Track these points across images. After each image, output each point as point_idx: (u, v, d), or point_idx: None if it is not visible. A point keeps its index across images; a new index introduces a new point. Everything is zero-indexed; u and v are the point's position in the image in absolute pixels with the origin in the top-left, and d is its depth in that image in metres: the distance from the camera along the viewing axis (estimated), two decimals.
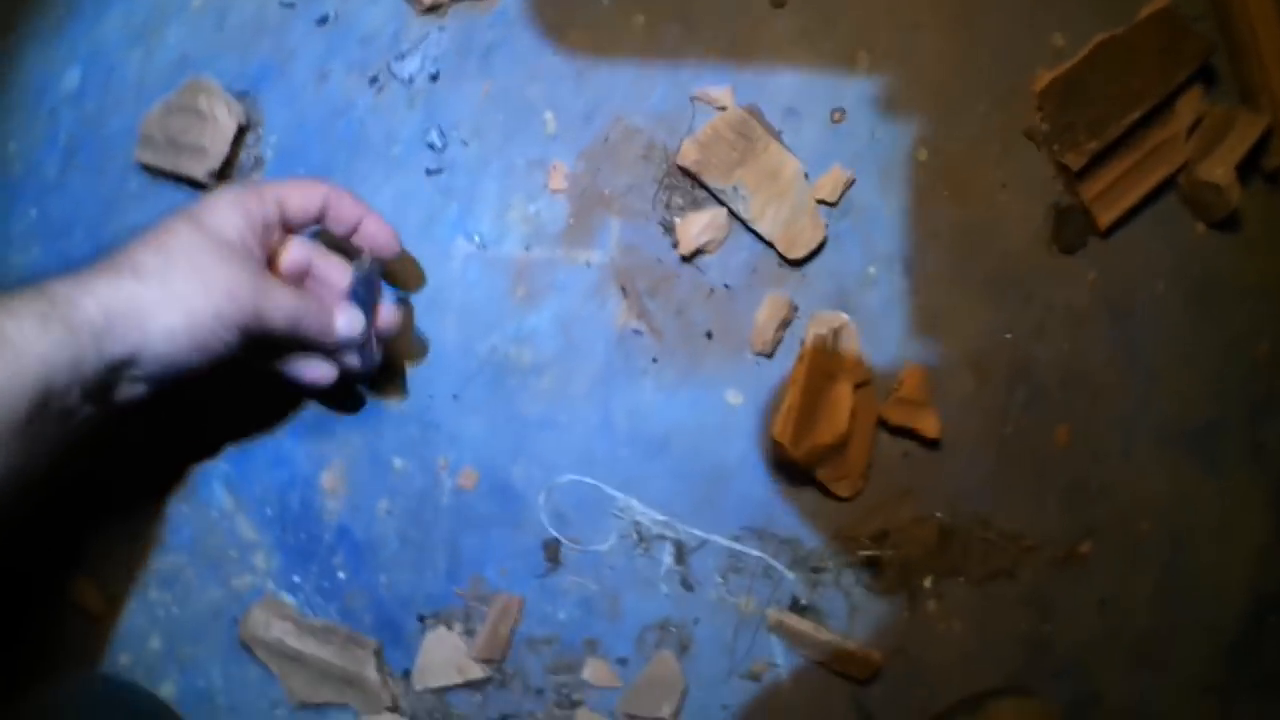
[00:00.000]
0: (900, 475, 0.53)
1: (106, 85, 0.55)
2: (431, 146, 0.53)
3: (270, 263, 0.45)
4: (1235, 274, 0.56)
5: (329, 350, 0.46)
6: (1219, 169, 0.53)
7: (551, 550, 0.52)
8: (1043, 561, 0.54)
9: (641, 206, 0.53)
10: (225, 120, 0.52)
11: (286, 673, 0.52)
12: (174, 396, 0.44)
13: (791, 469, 0.51)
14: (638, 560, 0.52)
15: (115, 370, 0.39)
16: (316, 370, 0.47)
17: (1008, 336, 0.54)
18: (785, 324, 0.52)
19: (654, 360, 0.52)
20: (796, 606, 0.52)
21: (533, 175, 0.53)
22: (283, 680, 0.52)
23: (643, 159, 0.53)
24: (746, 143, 0.51)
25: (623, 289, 0.52)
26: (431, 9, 0.53)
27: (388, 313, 0.48)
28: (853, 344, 0.52)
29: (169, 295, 0.38)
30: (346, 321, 0.45)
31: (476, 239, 0.53)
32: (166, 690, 0.53)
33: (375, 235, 0.47)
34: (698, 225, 0.51)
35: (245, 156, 0.54)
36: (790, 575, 0.52)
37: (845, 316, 0.52)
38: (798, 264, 0.52)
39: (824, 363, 0.50)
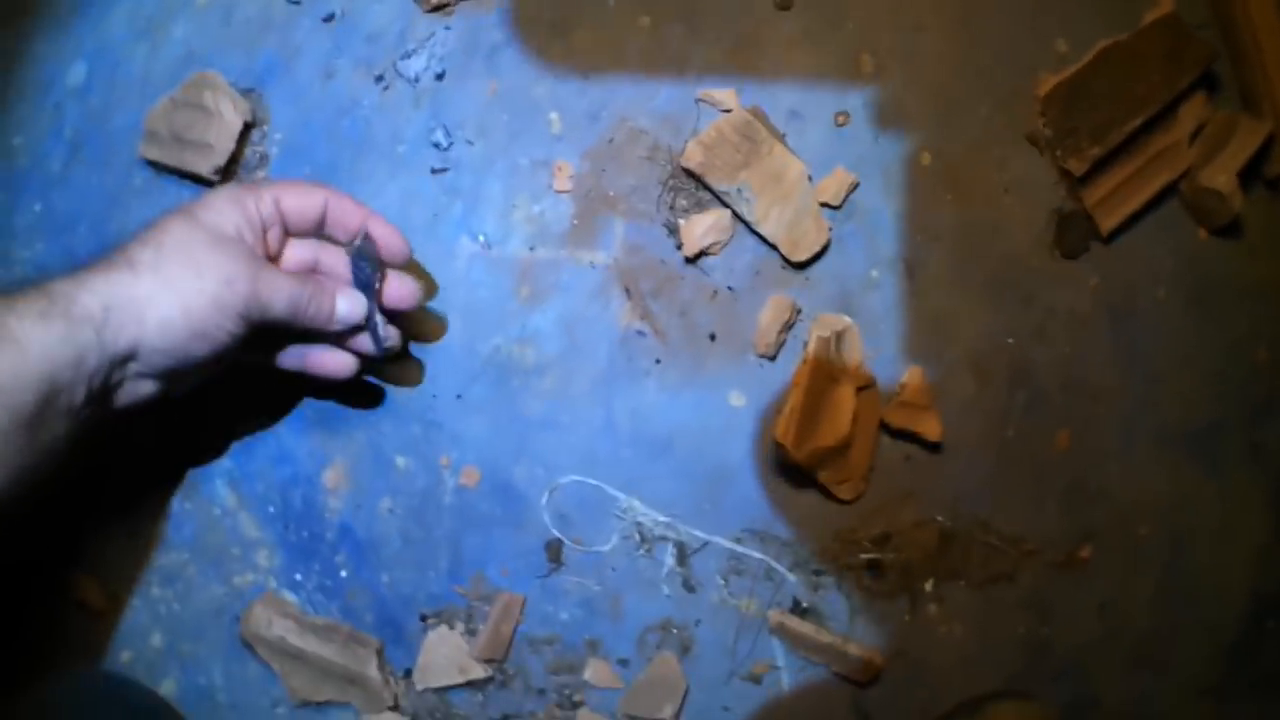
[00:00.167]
0: (902, 478, 0.53)
1: (112, 80, 0.55)
2: (437, 145, 0.53)
3: (274, 263, 0.45)
4: (1236, 279, 0.56)
5: (336, 337, 0.46)
6: (1221, 175, 0.53)
7: (553, 550, 0.52)
8: (1043, 565, 0.54)
9: (646, 208, 0.53)
10: (231, 117, 0.52)
11: (288, 671, 0.52)
12: (186, 398, 0.45)
13: (793, 471, 0.51)
14: (639, 561, 0.52)
15: (118, 365, 0.39)
16: (336, 362, 0.47)
17: (1009, 340, 0.54)
18: (788, 326, 0.52)
19: (657, 361, 0.52)
20: (798, 608, 0.53)
21: (537, 175, 0.53)
22: (284, 678, 0.52)
23: (647, 160, 0.53)
24: (751, 145, 0.51)
25: (626, 290, 0.53)
26: (438, 8, 0.53)
27: (400, 288, 0.47)
28: (855, 347, 0.52)
29: (163, 286, 0.39)
30: (347, 304, 0.45)
31: (481, 239, 0.53)
32: (167, 687, 0.53)
33: (381, 240, 0.47)
34: (702, 227, 0.52)
35: (250, 153, 0.54)
36: (792, 577, 0.53)
37: (848, 319, 0.52)
38: (801, 266, 0.52)
39: (826, 365, 0.50)
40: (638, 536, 0.52)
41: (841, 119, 0.53)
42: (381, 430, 0.53)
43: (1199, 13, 0.56)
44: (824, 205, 0.52)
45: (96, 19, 0.56)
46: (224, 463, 0.54)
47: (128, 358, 0.39)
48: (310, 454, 0.53)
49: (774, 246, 0.52)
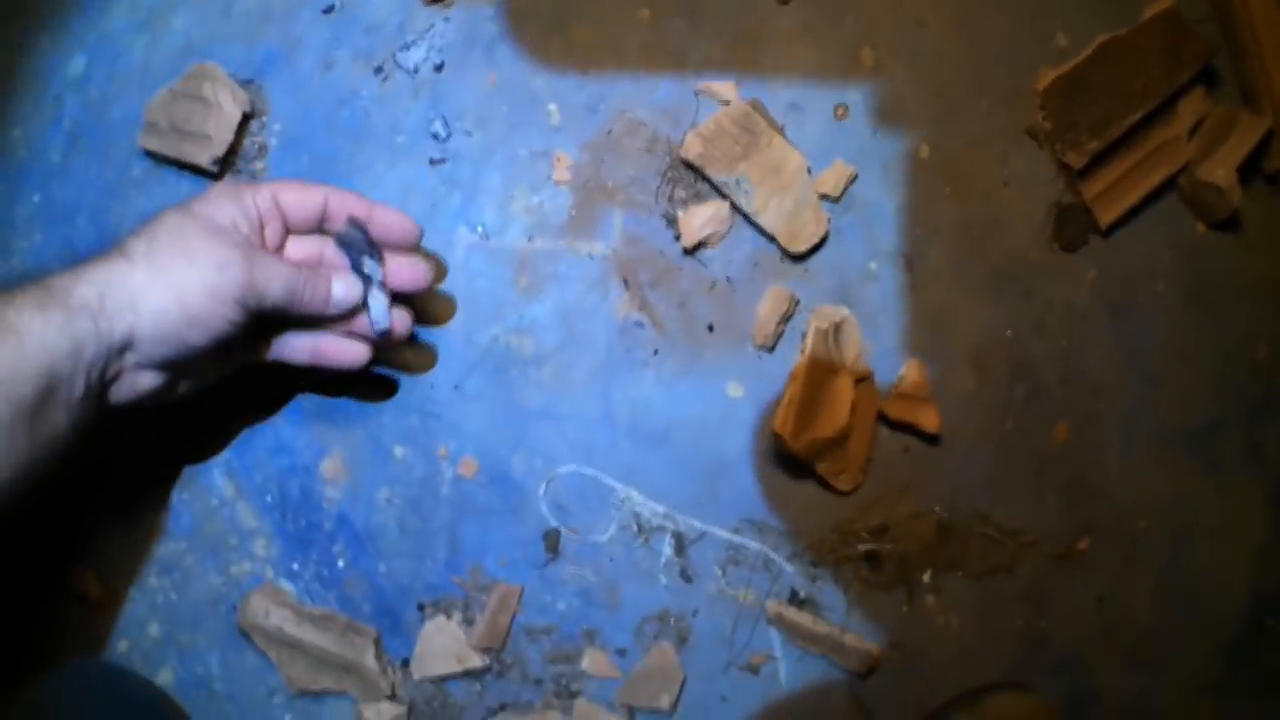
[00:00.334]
0: (900, 470, 0.53)
1: (112, 72, 0.55)
2: (436, 136, 0.53)
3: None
4: (1235, 274, 0.56)
5: (339, 324, 0.46)
6: (1220, 170, 0.53)
7: (551, 540, 0.52)
8: (1041, 557, 0.54)
9: (644, 199, 0.53)
10: (230, 108, 0.52)
11: (285, 660, 0.52)
12: (190, 396, 0.45)
13: (792, 462, 0.51)
14: (637, 551, 0.52)
15: (115, 355, 0.39)
16: (348, 352, 0.46)
17: (1008, 333, 0.54)
18: (787, 318, 0.52)
19: (655, 352, 0.52)
20: (795, 599, 0.53)
21: (536, 166, 0.53)
22: (281, 668, 0.52)
23: (646, 151, 0.53)
24: (750, 137, 0.51)
25: (625, 281, 0.53)
26: (437, 0, 0.53)
27: (410, 270, 0.47)
28: (854, 338, 0.52)
29: (156, 275, 0.39)
30: (343, 287, 0.45)
31: (479, 229, 0.53)
32: (165, 677, 0.53)
33: (390, 226, 0.46)
34: (700, 218, 0.52)
35: (249, 144, 0.54)
36: (789, 568, 0.53)
37: (846, 311, 0.52)
38: (800, 258, 0.52)
39: (825, 357, 0.50)
40: (635, 527, 0.52)
41: (841, 112, 0.53)
42: (380, 420, 0.53)
43: (1198, 7, 0.56)
44: (823, 197, 0.52)
45: (97, 10, 0.56)
46: (222, 453, 0.54)
47: (125, 347, 0.39)
48: (308, 444, 0.53)
49: (773, 238, 0.52)
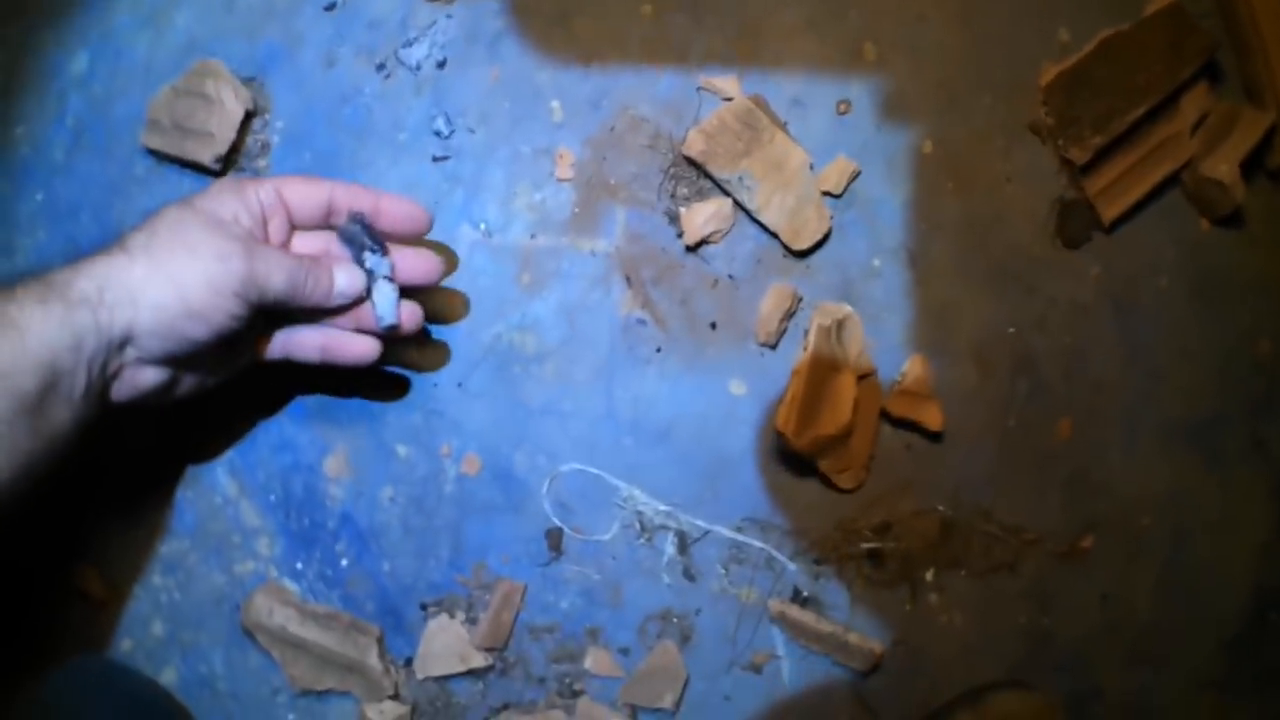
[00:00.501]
0: (902, 467, 0.53)
1: (114, 69, 0.55)
2: (438, 133, 0.53)
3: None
4: (1238, 270, 0.56)
5: (344, 319, 0.46)
6: (1223, 166, 0.53)
7: (554, 539, 0.52)
8: (1044, 555, 0.54)
9: (647, 196, 0.53)
10: (232, 105, 0.52)
11: (288, 659, 0.52)
12: (192, 398, 0.44)
13: (794, 460, 0.51)
14: (640, 550, 0.52)
15: (116, 350, 0.39)
16: (358, 348, 0.46)
17: (1011, 330, 0.54)
18: (789, 315, 0.52)
19: (658, 349, 0.52)
20: (798, 598, 0.52)
21: (539, 163, 0.53)
22: (284, 667, 0.52)
23: (649, 148, 0.53)
24: (752, 133, 0.51)
25: (627, 278, 0.53)
26: None
27: (420, 263, 0.46)
28: (856, 335, 0.52)
29: (156, 268, 0.38)
30: (345, 278, 0.44)
31: (482, 226, 0.53)
32: (168, 676, 0.53)
33: (398, 215, 0.46)
34: (703, 215, 0.52)
35: (252, 141, 0.54)
36: (792, 566, 0.53)
37: (849, 308, 0.52)
38: (802, 255, 0.52)
39: (827, 354, 0.50)
40: (638, 525, 0.52)
41: (843, 107, 0.53)
42: (382, 419, 0.53)
43: (1201, 2, 0.56)
44: (825, 194, 0.52)
45: (99, 7, 0.56)
46: (225, 451, 0.54)
47: (125, 341, 0.39)
48: (311, 442, 0.53)
49: (775, 235, 0.52)
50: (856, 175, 0.53)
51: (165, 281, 0.38)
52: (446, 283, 0.52)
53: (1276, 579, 0.57)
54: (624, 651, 0.52)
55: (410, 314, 0.46)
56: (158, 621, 0.54)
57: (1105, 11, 0.53)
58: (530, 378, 0.52)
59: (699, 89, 0.53)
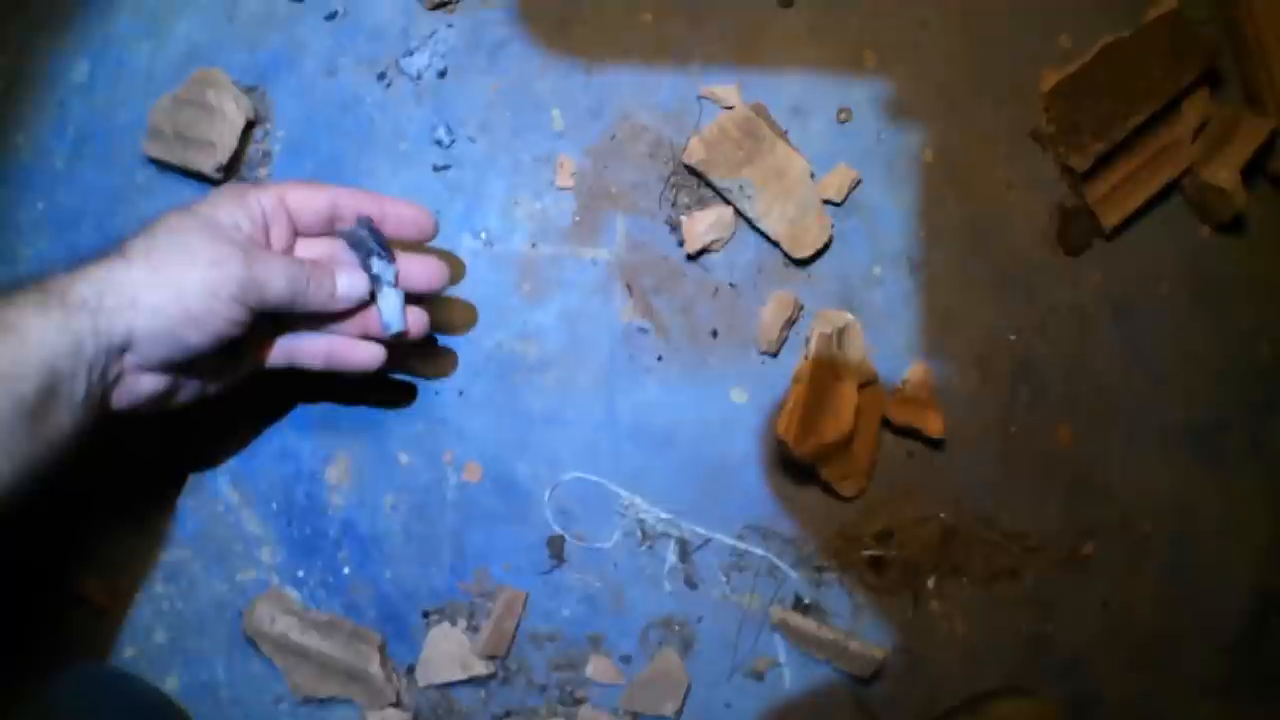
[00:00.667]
0: (904, 474, 0.53)
1: (116, 77, 0.55)
2: (439, 142, 0.53)
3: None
4: (1239, 275, 0.56)
5: (349, 324, 0.45)
6: (1224, 172, 0.53)
7: (556, 546, 0.52)
8: (1045, 561, 0.54)
9: (648, 204, 0.53)
10: (233, 114, 0.52)
11: (290, 667, 0.52)
12: (193, 405, 0.44)
13: (796, 467, 0.51)
14: (641, 557, 0.52)
15: (115, 355, 0.39)
16: (362, 354, 0.46)
17: (1012, 337, 0.54)
18: (790, 323, 0.52)
19: (659, 358, 0.52)
20: (799, 605, 0.53)
21: (540, 171, 0.53)
22: (286, 674, 0.52)
23: (649, 156, 0.53)
24: (753, 141, 0.51)
25: (628, 286, 0.53)
26: (440, 5, 0.53)
27: (423, 270, 0.46)
28: (858, 343, 0.52)
29: (154, 273, 0.38)
30: (348, 280, 0.44)
31: (483, 235, 0.53)
32: (170, 683, 0.53)
33: (403, 220, 0.45)
34: (704, 223, 0.52)
35: (253, 150, 0.54)
36: (793, 574, 0.53)
37: (850, 315, 0.52)
38: (803, 263, 0.52)
39: (829, 361, 0.50)
40: (640, 533, 0.52)
41: (844, 115, 0.53)
42: (384, 427, 0.53)
43: (1202, 9, 0.56)
44: (826, 202, 0.52)
45: (100, 16, 0.56)
46: (227, 459, 0.54)
47: (124, 346, 0.39)
48: (313, 450, 0.53)
49: (776, 243, 0.52)
50: (857, 183, 0.53)
51: (164, 287, 0.38)
52: (449, 290, 0.52)
53: (1278, 583, 0.57)
54: (625, 659, 0.53)
55: (416, 320, 0.46)
56: (160, 629, 0.54)
57: (1106, 18, 0.53)
58: (532, 386, 0.52)
59: (699, 97, 0.53)
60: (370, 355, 0.46)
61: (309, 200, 0.44)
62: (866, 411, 0.52)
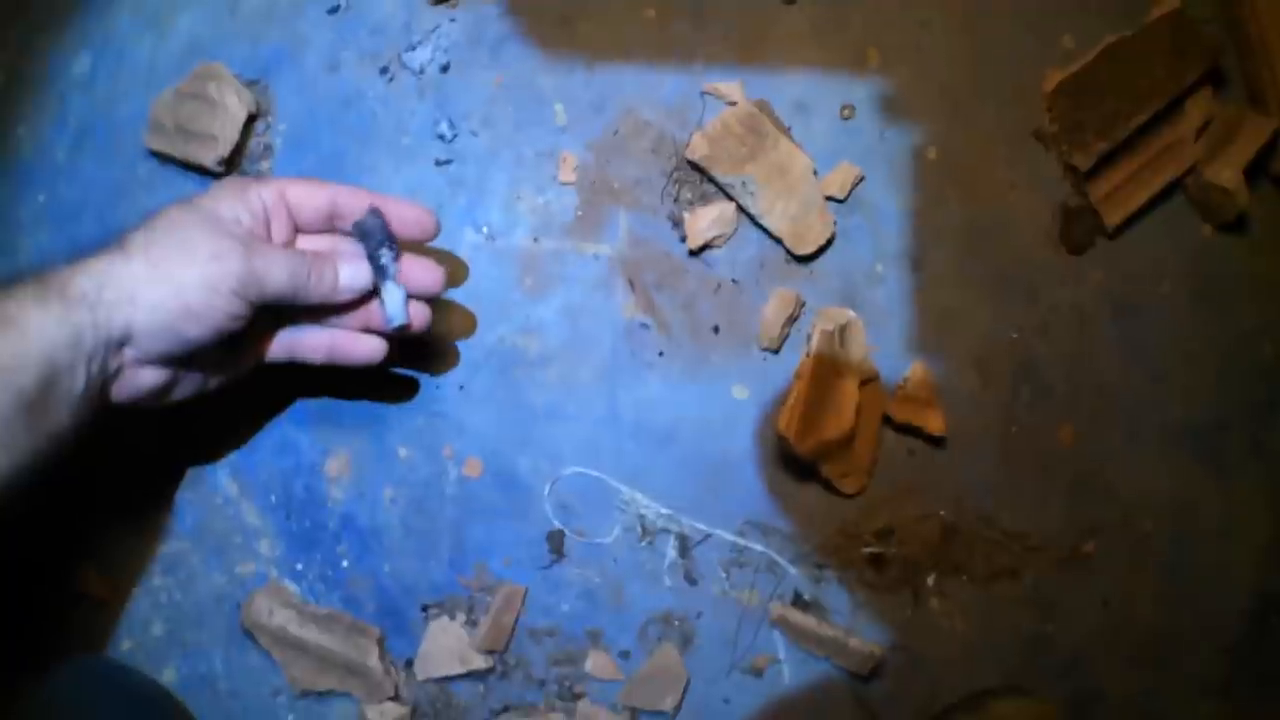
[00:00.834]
0: (905, 472, 0.53)
1: (117, 71, 0.55)
2: (441, 137, 0.53)
3: None
4: (1241, 275, 0.56)
5: (352, 317, 0.46)
6: (1227, 171, 0.53)
7: (555, 541, 0.52)
8: (1046, 560, 0.54)
9: (650, 199, 0.53)
10: (235, 108, 0.52)
11: (288, 660, 0.52)
12: (194, 400, 0.44)
13: (796, 464, 0.51)
14: (641, 553, 0.52)
15: (114, 349, 0.39)
16: (364, 348, 0.46)
17: (1014, 335, 0.54)
18: (792, 320, 0.52)
19: (660, 353, 0.52)
20: (799, 601, 0.52)
21: (542, 166, 0.53)
22: (284, 668, 0.52)
23: (652, 152, 0.53)
24: (756, 137, 0.51)
25: (630, 282, 0.53)
26: (442, 0, 0.53)
27: (422, 272, 0.46)
28: (859, 340, 0.52)
29: (153, 267, 0.38)
30: (351, 271, 0.44)
31: (485, 230, 0.53)
32: (168, 676, 0.53)
33: (405, 220, 0.45)
34: (706, 219, 0.52)
35: (254, 144, 0.54)
36: (793, 570, 0.53)
37: (852, 313, 0.52)
38: (805, 260, 0.52)
39: (830, 359, 0.50)
40: (640, 528, 0.52)
41: (847, 112, 0.53)
42: (384, 420, 0.53)
43: (1205, 8, 0.56)
44: (829, 199, 0.52)
45: (102, 9, 0.56)
46: (226, 452, 0.54)
47: (123, 340, 0.39)
48: (313, 444, 0.53)
49: (778, 240, 0.52)
50: (860, 180, 0.53)
51: (163, 281, 0.38)
52: (451, 292, 0.52)
53: (1278, 583, 0.57)
54: (624, 654, 0.52)
55: (419, 314, 0.46)
56: (158, 622, 0.54)
57: (1109, 17, 0.53)
58: (533, 381, 0.52)
59: (702, 93, 0.53)
60: (372, 349, 0.46)
61: (309, 197, 0.44)
62: (867, 409, 0.52)
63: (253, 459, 0.53)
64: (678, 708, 0.52)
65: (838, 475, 0.51)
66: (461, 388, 0.53)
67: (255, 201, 0.42)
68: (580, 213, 0.53)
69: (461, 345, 0.53)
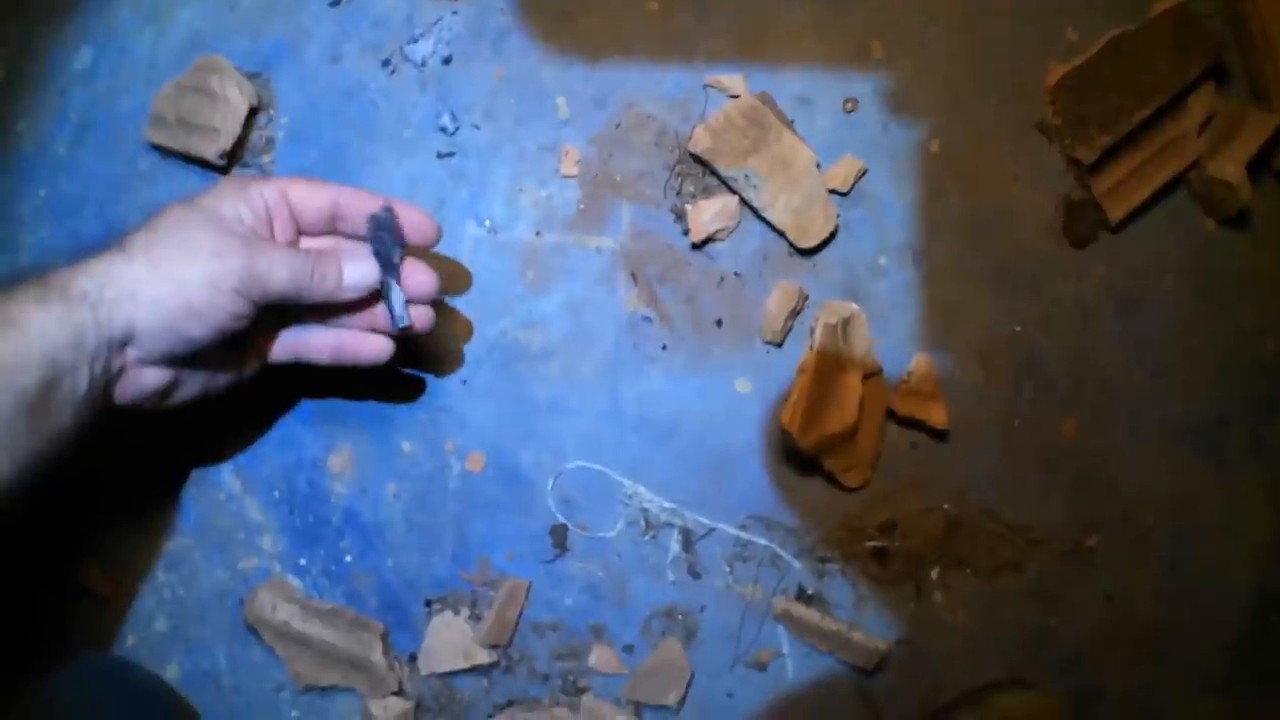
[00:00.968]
0: (908, 466, 0.53)
1: (118, 65, 0.55)
2: (443, 130, 0.53)
3: None
4: (1244, 270, 0.56)
5: (357, 316, 0.45)
6: (1230, 166, 0.53)
7: (559, 536, 0.52)
8: (1048, 554, 0.54)
9: (653, 192, 0.53)
10: (237, 101, 0.52)
11: (292, 655, 0.52)
12: (198, 402, 0.44)
13: (800, 458, 0.51)
14: (645, 547, 0.52)
15: (117, 349, 0.38)
16: (370, 348, 0.46)
17: (1016, 329, 0.54)
18: (795, 313, 0.52)
19: (663, 347, 0.52)
20: (803, 595, 0.52)
21: (544, 160, 0.53)
22: (288, 663, 0.52)
23: (655, 145, 0.53)
24: (759, 130, 0.51)
25: (633, 275, 0.52)
26: None
27: (417, 276, 0.45)
28: (862, 334, 0.52)
29: (154, 266, 0.38)
30: (355, 269, 0.43)
31: (487, 223, 0.53)
32: (172, 671, 0.53)
33: (409, 224, 0.45)
34: (709, 212, 0.52)
35: (256, 137, 0.54)
36: (797, 564, 0.52)
37: (855, 306, 0.52)
38: (808, 253, 0.52)
39: (834, 352, 0.50)
40: (643, 522, 0.52)
41: (850, 106, 0.53)
42: (387, 415, 0.53)
43: (1208, 3, 0.56)
44: (832, 192, 0.52)
45: (102, 4, 0.56)
46: (229, 448, 0.53)
47: (125, 340, 0.39)
48: (315, 439, 0.53)
49: (781, 233, 0.52)
50: (863, 173, 0.53)
51: (164, 280, 0.38)
52: (461, 295, 0.52)
53: (1279, 580, 0.57)
54: (628, 649, 0.52)
55: (422, 315, 0.46)
56: (161, 617, 0.54)
57: (1112, 12, 0.53)
58: (535, 375, 0.52)
59: (705, 86, 0.53)
60: (380, 348, 0.46)
61: (311, 197, 0.44)
62: (871, 403, 0.51)
63: (255, 455, 0.53)
64: (681, 702, 0.52)
65: (841, 469, 0.51)
66: (464, 382, 0.52)
67: (257, 200, 0.42)
68: (582, 206, 0.53)
69: (464, 339, 0.53)
